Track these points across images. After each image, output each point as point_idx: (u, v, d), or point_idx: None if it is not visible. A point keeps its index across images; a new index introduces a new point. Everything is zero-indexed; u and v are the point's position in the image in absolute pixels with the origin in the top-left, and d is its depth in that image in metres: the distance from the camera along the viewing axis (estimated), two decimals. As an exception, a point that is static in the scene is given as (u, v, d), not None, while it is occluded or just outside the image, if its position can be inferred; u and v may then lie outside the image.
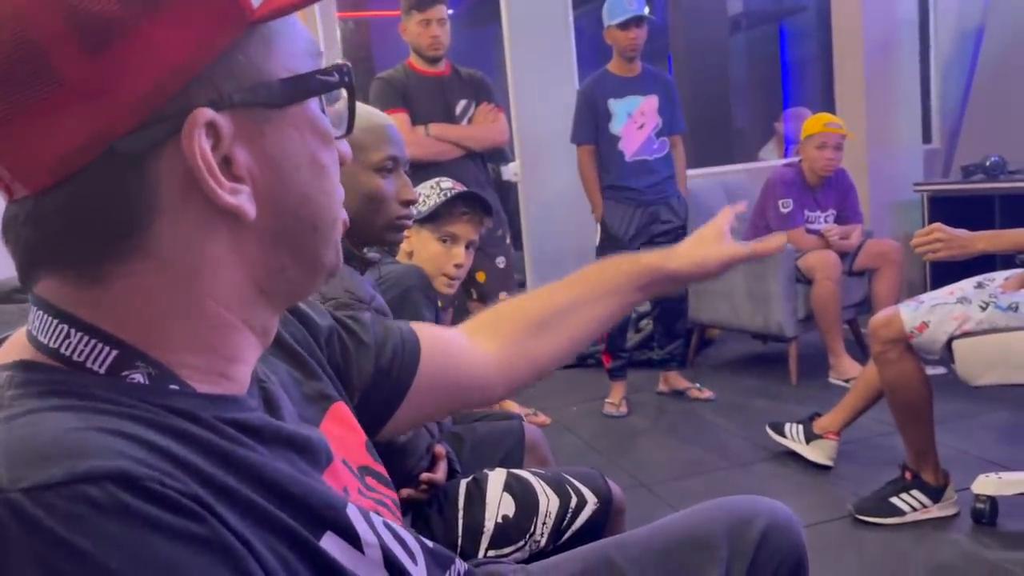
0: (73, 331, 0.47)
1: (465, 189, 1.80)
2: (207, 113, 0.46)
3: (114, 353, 0.48)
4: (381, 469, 0.70)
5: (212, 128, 0.47)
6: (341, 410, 0.69)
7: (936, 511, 2.22)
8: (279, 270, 0.53)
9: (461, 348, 0.86)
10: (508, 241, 3.32)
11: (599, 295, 0.94)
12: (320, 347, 0.74)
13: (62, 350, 0.47)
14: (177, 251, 0.48)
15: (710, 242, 0.99)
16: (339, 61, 0.54)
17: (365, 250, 1.38)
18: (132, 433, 0.42)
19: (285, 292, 0.56)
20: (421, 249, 1.76)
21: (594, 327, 0.94)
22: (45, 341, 0.48)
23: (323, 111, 0.55)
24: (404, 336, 0.82)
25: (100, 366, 0.47)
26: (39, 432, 0.41)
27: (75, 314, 0.48)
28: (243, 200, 0.49)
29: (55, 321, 0.48)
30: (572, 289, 0.94)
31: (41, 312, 0.49)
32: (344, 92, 0.55)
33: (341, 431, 0.68)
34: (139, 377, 0.48)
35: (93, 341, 0.47)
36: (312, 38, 0.55)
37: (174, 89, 0.46)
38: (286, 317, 0.71)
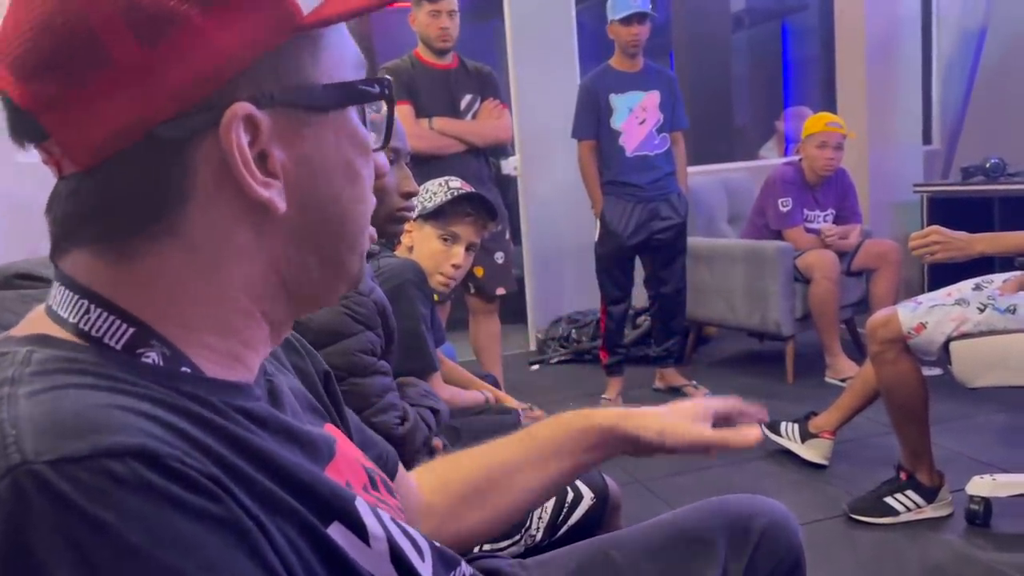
0: (93, 307, 0.49)
1: (473, 191, 1.80)
2: (246, 107, 0.48)
3: (131, 331, 0.49)
4: (386, 477, 0.70)
5: (251, 123, 0.49)
6: (334, 429, 0.69)
7: (930, 512, 2.22)
8: (304, 269, 0.55)
9: (408, 490, 0.83)
10: (508, 237, 3.31)
11: (545, 456, 0.85)
12: (319, 381, 0.74)
13: (81, 324, 0.49)
14: (205, 237, 0.50)
15: (684, 417, 0.85)
16: (382, 76, 0.56)
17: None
18: (151, 413, 0.43)
19: (308, 293, 0.57)
20: (422, 245, 1.76)
21: (535, 496, 0.85)
22: (65, 315, 0.49)
23: (365, 123, 0.57)
24: (382, 454, 0.81)
25: (117, 342, 0.49)
26: (63, 407, 0.42)
27: (97, 291, 0.49)
28: (274, 195, 0.51)
29: (76, 296, 0.49)
30: (516, 449, 0.86)
31: (63, 288, 0.50)
32: (384, 104, 0.58)
33: (343, 438, 0.68)
34: (154, 356, 0.49)
35: (111, 317, 0.49)
36: (359, 53, 0.57)
37: (218, 83, 0.48)
38: (292, 346, 0.72)
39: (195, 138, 0.48)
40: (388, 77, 0.57)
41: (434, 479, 0.85)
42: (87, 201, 0.49)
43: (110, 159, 0.48)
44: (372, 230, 0.60)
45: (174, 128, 0.47)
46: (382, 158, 0.61)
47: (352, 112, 0.55)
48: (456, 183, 1.80)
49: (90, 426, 0.41)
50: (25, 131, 0.49)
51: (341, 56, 0.55)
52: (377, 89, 0.56)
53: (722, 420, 0.86)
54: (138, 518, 0.39)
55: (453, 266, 1.74)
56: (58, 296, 0.51)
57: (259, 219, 0.51)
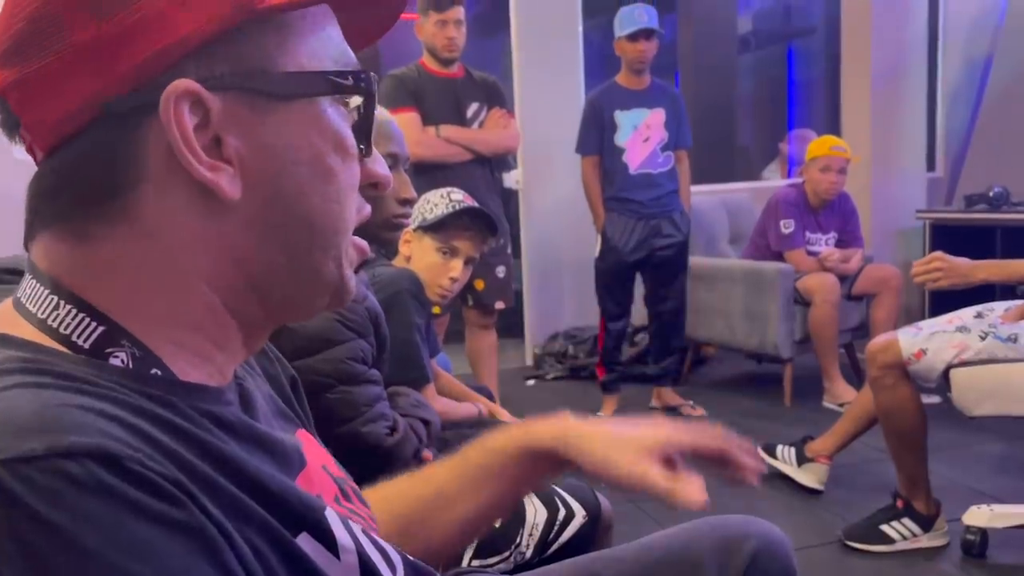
0: (63, 303, 0.48)
1: (475, 205, 1.78)
2: (189, 84, 0.47)
3: (100, 329, 0.48)
4: (356, 487, 0.67)
5: (199, 104, 0.48)
6: (305, 435, 0.68)
7: (926, 541, 2.20)
8: (272, 270, 0.53)
9: None
10: (509, 251, 3.30)
11: (479, 483, 0.76)
12: (287, 385, 0.72)
13: (50, 321, 0.48)
14: (159, 222, 0.49)
15: (636, 447, 0.71)
16: (360, 69, 0.54)
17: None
18: (113, 413, 0.42)
19: (281, 297, 0.54)
20: (420, 256, 1.74)
21: (473, 527, 0.78)
22: (34, 310, 0.49)
23: (366, 126, 0.56)
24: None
25: (85, 341, 0.48)
26: (20, 406, 0.41)
27: (63, 282, 0.49)
28: (222, 179, 0.49)
29: (46, 292, 0.49)
30: (451, 476, 0.78)
31: (34, 281, 0.50)
32: (361, 101, 0.55)
33: (312, 445, 0.66)
34: (123, 356, 0.48)
35: (81, 315, 0.48)
36: (346, 50, 0.55)
37: (170, 61, 0.47)
38: (262, 350, 0.70)
39: (145, 117, 0.48)
40: (370, 72, 0.54)
41: (377, 505, 0.76)
42: (47, 180, 0.49)
43: (68, 141, 0.48)
44: (362, 242, 0.58)
45: (124, 104, 0.47)
46: (383, 168, 0.58)
47: (326, 107, 0.53)
48: (458, 195, 1.78)
49: (46, 425, 0.39)
50: (6, 118, 0.50)
51: (318, 48, 0.52)
52: (351, 81, 0.53)
53: (715, 460, 0.76)
54: (94, 521, 0.38)
55: (451, 279, 1.73)
56: (28, 289, 0.50)
57: (212, 206, 0.50)
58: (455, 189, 1.83)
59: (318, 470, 0.61)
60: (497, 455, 0.77)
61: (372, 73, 0.55)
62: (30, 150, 0.51)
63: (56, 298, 0.49)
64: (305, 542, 0.50)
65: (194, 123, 0.48)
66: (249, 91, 0.49)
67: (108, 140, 0.48)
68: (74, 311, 0.48)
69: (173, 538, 0.40)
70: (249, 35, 0.49)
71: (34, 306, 0.49)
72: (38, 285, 0.50)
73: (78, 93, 0.47)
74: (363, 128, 0.56)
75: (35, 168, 0.51)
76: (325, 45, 0.53)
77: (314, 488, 0.57)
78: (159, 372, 0.49)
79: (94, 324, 0.48)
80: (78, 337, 0.48)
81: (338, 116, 0.54)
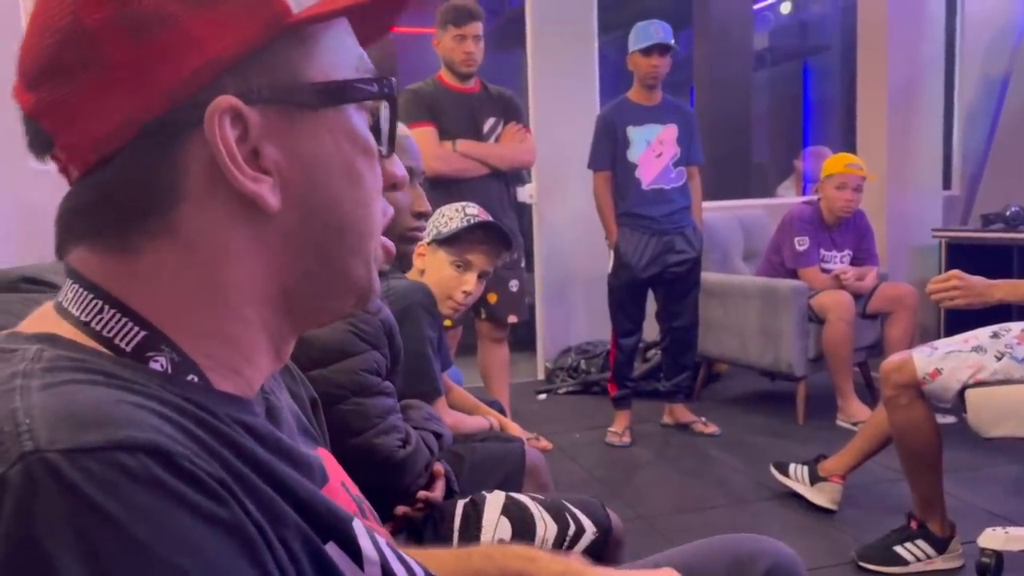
0: (106, 307, 0.49)
1: (490, 219, 1.79)
2: (231, 100, 0.49)
3: (142, 334, 0.49)
4: (372, 507, 0.68)
5: (239, 118, 0.49)
6: (325, 453, 0.69)
7: (940, 563, 2.17)
8: (307, 278, 0.54)
9: None
10: (523, 265, 3.30)
11: None
12: (307, 406, 0.73)
13: (93, 324, 0.49)
14: (201, 236, 0.50)
15: None
16: (382, 75, 0.56)
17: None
18: (162, 412, 0.43)
19: (313, 305, 0.56)
20: (434, 270, 1.75)
21: None
22: (76, 313, 0.50)
23: (378, 128, 0.57)
24: None
25: (127, 344, 0.49)
26: (78, 399, 0.42)
27: (106, 287, 0.50)
28: (264, 190, 0.51)
29: (89, 295, 0.50)
30: (453, 564, 0.77)
31: (75, 285, 0.50)
32: (385, 106, 0.58)
33: (332, 463, 0.67)
34: (162, 361, 0.49)
35: (123, 319, 0.49)
36: (363, 56, 0.57)
37: (207, 79, 0.48)
38: (286, 368, 0.71)
39: (185, 135, 0.48)
40: (389, 77, 0.56)
41: None
42: (84, 198, 0.50)
43: (106, 158, 0.48)
44: (389, 243, 0.59)
45: (163, 124, 0.48)
46: (399, 168, 0.60)
47: (351, 112, 0.55)
48: (473, 210, 1.79)
49: (104, 419, 0.41)
50: (35, 140, 0.51)
51: (339, 56, 0.54)
52: (375, 88, 0.55)
53: None
54: (146, 514, 0.39)
55: (464, 292, 1.73)
56: (70, 293, 0.51)
57: (253, 218, 0.51)
58: (470, 203, 1.83)
59: (338, 487, 0.61)
60: (498, 570, 0.77)
61: (392, 78, 0.57)
62: (64, 171, 0.51)
63: (100, 302, 0.49)
64: (332, 551, 0.50)
65: (234, 136, 0.49)
66: (282, 103, 0.51)
67: (148, 158, 0.48)
68: (117, 315, 0.49)
69: (217, 535, 0.41)
70: (277, 49, 0.51)
71: (77, 309, 0.50)
72: (81, 289, 0.50)
73: (114, 113, 0.48)
74: (388, 131, 0.58)
75: (53, 176, 0.52)
76: (345, 54, 0.55)
77: (339, 502, 0.58)
78: (195, 378, 0.50)
79: (136, 328, 0.49)
80: (120, 340, 0.49)
81: (361, 121, 0.56)
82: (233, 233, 0.51)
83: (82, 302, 0.50)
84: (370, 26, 0.59)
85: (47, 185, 0.63)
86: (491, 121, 3.15)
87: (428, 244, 1.77)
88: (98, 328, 0.49)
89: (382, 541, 0.56)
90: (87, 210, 0.50)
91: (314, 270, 0.54)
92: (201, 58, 0.48)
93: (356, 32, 0.57)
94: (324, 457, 0.65)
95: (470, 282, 1.73)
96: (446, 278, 1.73)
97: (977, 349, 2.07)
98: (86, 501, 0.38)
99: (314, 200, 0.53)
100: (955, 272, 2.09)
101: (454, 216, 1.76)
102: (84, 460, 0.38)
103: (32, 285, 0.75)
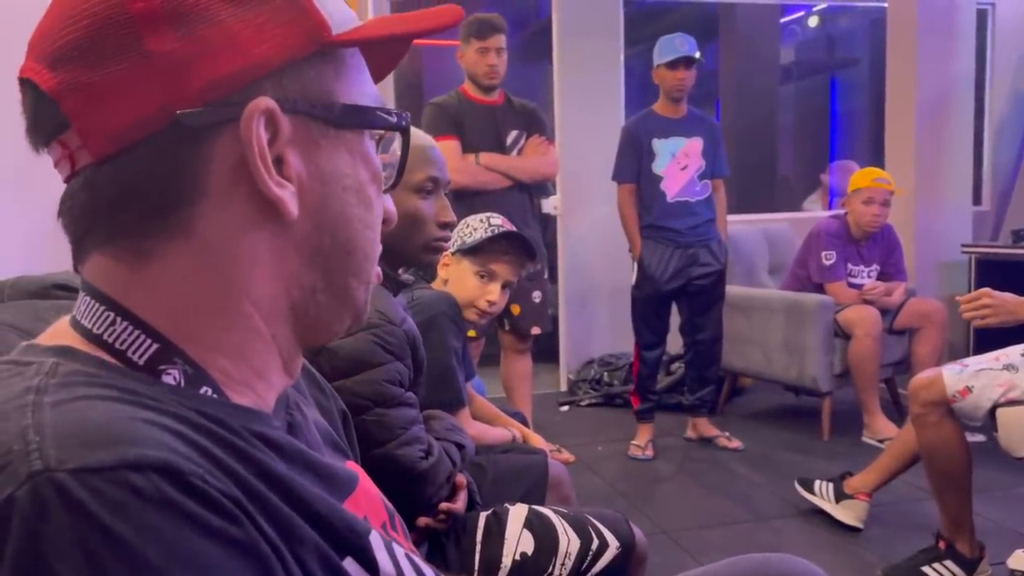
0: (119, 319, 0.49)
1: (513, 230, 1.79)
2: (269, 103, 0.49)
3: (155, 347, 0.49)
4: (403, 522, 0.68)
5: (272, 122, 0.50)
6: (355, 466, 0.68)
7: (969, 584, 2.13)
8: (311, 290, 0.54)
9: None
10: (546, 276, 3.30)
11: None
12: (338, 420, 0.73)
13: (105, 336, 0.49)
14: (218, 236, 0.50)
15: None
16: (428, 109, 0.58)
17: (400, 271, 1.37)
18: (175, 428, 0.43)
19: (312, 320, 0.56)
20: (458, 280, 1.75)
21: None
22: (89, 326, 0.49)
23: (401, 164, 0.59)
24: None
25: (140, 357, 0.48)
26: (89, 417, 0.42)
27: (119, 300, 0.49)
28: (287, 196, 0.51)
29: (102, 308, 0.49)
30: None
31: (88, 298, 0.50)
32: (399, 140, 0.60)
33: (364, 477, 0.67)
34: (175, 374, 0.49)
35: (136, 332, 0.49)
36: (378, 93, 0.58)
37: (246, 80, 0.49)
38: (316, 383, 0.71)
39: (216, 130, 0.49)
40: (406, 113, 0.58)
41: None
42: (103, 192, 0.49)
43: (128, 150, 0.48)
44: (378, 269, 0.59)
45: (198, 117, 0.48)
46: (391, 204, 0.60)
47: (367, 140, 0.56)
48: (497, 220, 1.79)
49: (115, 437, 0.40)
50: (47, 121, 0.49)
51: (363, 84, 0.56)
52: (395, 119, 0.57)
53: None
54: (156, 534, 0.38)
55: (488, 302, 1.74)
56: (83, 307, 0.51)
57: (269, 224, 0.51)
58: (494, 214, 1.84)
59: (371, 497, 0.61)
60: None
61: (408, 113, 0.59)
62: (68, 159, 0.49)
63: (112, 314, 0.49)
64: (349, 566, 0.50)
65: (266, 140, 0.50)
66: (313, 116, 0.52)
67: (175, 151, 0.48)
68: (130, 327, 0.49)
69: (230, 556, 0.40)
70: (314, 63, 0.52)
71: (90, 322, 0.50)
72: (93, 302, 0.50)
73: (145, 102, 0.47)
74: (398, 164, 0.60)
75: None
76: (366, 83, 0.56)
77: (362, 512, 0.58)
78: (210, 391, 0.50)
79: (149, 341, 0.49)
80: (133, 353, 0.49)
81: (373, 150, 0.57)
82: (249, 236, 0.51)
83: (95, 314, 0.50)
84: (381, 61, 0.60)
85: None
86: (514, 133, 3.16)
87: (452, 254, 1.77)
88: (110, 341, 0.49)
89: (400, 553, 0.56)
90: (108, 207, 0.49)
91: (319, 286, 0.55)
92: (242, 60, 0.49)
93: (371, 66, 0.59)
94: (356, 469, 0.65)
95: (494, 292, 1.74)
96: (471, 288, 1.74)
97: (1009, 367, 2.04)
98: (95, 522, 0.37)
99: (327, 215, 0.54)
100: (985, 290, 2.06)
101: (478, 227, 1.77)
102: (93, 480, 0.38)
103: (64, 291, 0.76)
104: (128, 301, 0.50)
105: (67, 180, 0.50)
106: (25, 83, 0.50)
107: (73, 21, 0.48)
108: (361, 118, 0.55)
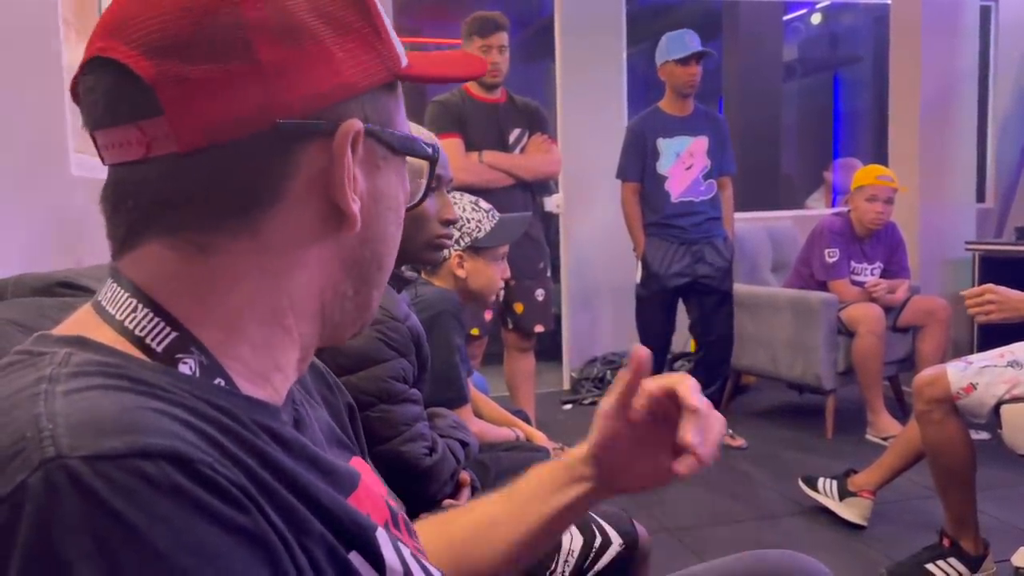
0: (140, 306, 0.50)
1: (503, 215, 1.83)
2: (360, 125, 0.53)
3: (173, 335, 0.50)
4: (407, 519, 0.68)
5: (354, 142, 0.53)
6: (361, 462, 0.69)
7: (974, 582, 2.13)
8: (343, 297, 0.57)
9: None
10: (549, 274, 3.30)
11: (521, 505, 0.80)
12: (344, 414, 0.75)
13: (126, 322, 0.50)
14: (280, 240, 0.52)
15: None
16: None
17: (403, 268, 1.38)
18: (185, 418, 0.44)
19: (335, 324, 0.58)
20: (478, 273, 1.78)
21: (518, 550, 0.79)
22: (112, 312, 0.51)
23: (429, 188, 0.68)
24: None
25: (158, 344, 0.50)
26: (101, 405, 0.42)
27: (147, 290, 0.51)
28: (357, 210, 0.54)
29: (126, 295, 0.51)
30: (497, 501, 0.83)
31: (115, 285, 0.52)
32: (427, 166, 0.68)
33: (368, 473, 0.67)
34: (190, 364, 0.50)
35: (156, 319, 0.50)
36: None
37: (337, 98, 0.52)
38: (322, 379, 0.73)
39: (309, 140, 0.51)
40: (438, 144, 0.65)
41: (432, 531, 0.80)
42: (185, 184, 0.50)
43: (218, 146, 0.49)
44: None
45: (297, 127, 0.51)
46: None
47: (404, 166, 0.61)
48: (486, 204, 1.82)
49: (126, 426, 0.41)
50: (132, 105, 0.49)
51: (403, 115, 0.61)
52: (431, 151, 0.63)
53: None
54: (166, 521, 0.39)
55: (503, 280, 1.83)
56: (108, 292, 0.52)
57: (329, 234, 0.54)
58: (478, 199, 1.85)
59: (373, 495, 0.61)
60: (538, 477, 0.82)
61: (438, 145, 0.67)
62: (142, 143, 0.49)
63: (135, 301, 0.51)
64: (355, 560, 0.51)
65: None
66: (380, 140, 0.56)
67: (267, 155, 0.50)
68: (150, 314, 0.50)
69: (238, 543, 0.41)
70: (384, 92, 0.56)
71: (113, 308, 0.51)
72: (119, 288, 0.51)
73: (244, 104, 0.49)
74: (426, 187, 0.68)
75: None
76: (405, 115, 0.61)
77: (365, 510, 0.58)
78: (223, 382, 0.51)
79: (168, 329, 0.50)
80: (152, 340, 0.50)
81: (406, 174, 0.62)
82: (307, 244, 0.54)
83: (119, 301, 0.51)
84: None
85: (83, 191, 0.63)
86: (517, 132, 3.16)
87: (465, 251, 1.78)
88: (131, 327, 0.50)
89: (407, 551, 0.56)
90: (185, 200, 0.50)
91: (350, 294, 0.58)
92: (336, 79, 0.52)
93: None
94: (359, 467, 0.65)
95: (505, 269, 1.84)
96: (492, 277, 1.80)
97: (1013, 364, 2.04)
98: (106, 508, 0.38)
99: (373, 231, 0.57)
100: (989, 286, 2.06)
101: (482, 219, 1.78)
102: (105, 467, 0.39)
103: (67, 289, 0.76)
104: (155, 290, 0.51)
105: (123, 164, 0.50)
106: (108, 63, 0.49)
107: (184, 14, 0.49)
108: (412, 146, 0.59)
